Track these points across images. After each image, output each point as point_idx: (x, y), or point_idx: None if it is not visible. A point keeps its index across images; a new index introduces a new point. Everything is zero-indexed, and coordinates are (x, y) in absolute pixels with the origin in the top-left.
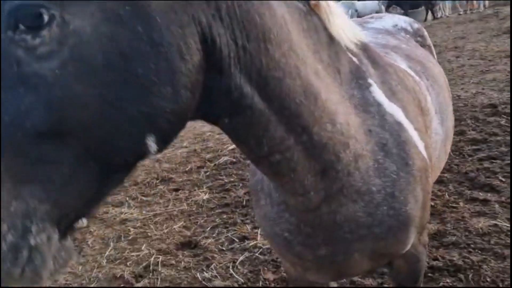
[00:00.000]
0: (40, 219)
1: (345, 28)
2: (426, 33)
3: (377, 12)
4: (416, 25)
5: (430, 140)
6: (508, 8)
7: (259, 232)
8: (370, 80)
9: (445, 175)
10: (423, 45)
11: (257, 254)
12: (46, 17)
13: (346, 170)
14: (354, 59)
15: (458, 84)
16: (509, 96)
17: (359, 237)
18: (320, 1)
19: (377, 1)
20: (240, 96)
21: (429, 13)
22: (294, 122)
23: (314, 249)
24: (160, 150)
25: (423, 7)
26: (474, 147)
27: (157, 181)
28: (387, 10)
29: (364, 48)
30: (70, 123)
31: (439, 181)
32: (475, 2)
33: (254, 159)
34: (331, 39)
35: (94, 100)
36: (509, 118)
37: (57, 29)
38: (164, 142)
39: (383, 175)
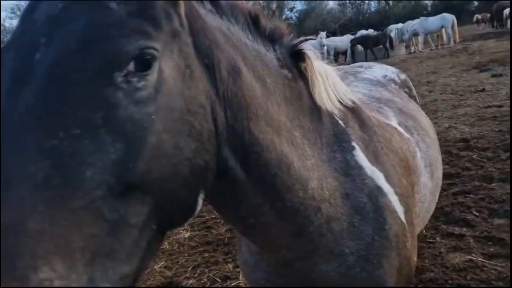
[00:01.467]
0: (114, 282)
1: (330, 92)
2: (411, 84)
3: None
4: (403, 76)
5: (419, 195)
6: (476, 44)
7: (240, 272)
8: (353, 144)
9: None
10: (410, 96)
11: None
12: (154, 63)
13: (318, 232)
14: (340, 122)
15: (431, 119)
16: (479, 130)
17: None
18: (308, 64)
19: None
20: (225, 167)
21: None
22: (269, 191)
23: None
24: (194, 214)
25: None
26: (448, 181)
27: None
28: (352, 48)
29: (353, 109)
30: (154, 174)
31: None
32: (444, 37)
33: (230, 221)
34: (315, 104)
35: (172, 149)
36: (480, 152)
37: (156, 74)
38: (201, 204)
39: (357, 238)
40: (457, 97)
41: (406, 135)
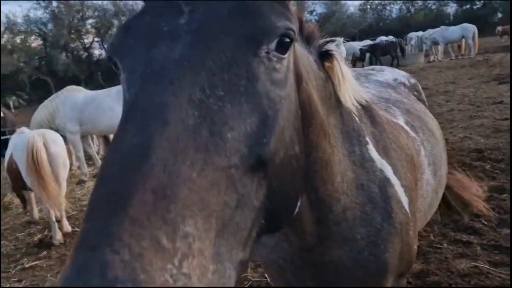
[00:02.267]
0: (234, 267)
1: (351, 91)
2: (421, 88)
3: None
4: (413, 80)
5: (421, 190)
6: (497, 56)
7: (249, 265)
8: (367, 138)
9: (431, 216)
10: (419, 99)
11: (247, 287)
12: (290, 48)
13: (335, 220)
14: (356, 118)
15: (446, 128)
16: (495, 142)
17: (343, 278)
18: (334, 65)
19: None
20: None
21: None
22: (309, 184)
23: (302, 280)
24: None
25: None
26: None
27: None
28: (362, 57)
29: (366, 107)
30: (276, 157)
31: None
32: (463, 47)
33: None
34: (339, 102)
35: (290, 140)
36: (494, 164)
37: (287, 62)
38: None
39: (368, 225)
40: (474, 108)
41: (412, 133)
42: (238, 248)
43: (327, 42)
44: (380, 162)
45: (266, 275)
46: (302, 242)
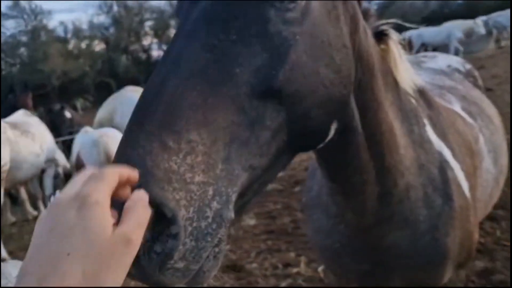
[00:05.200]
0: (237, 189)
1: (406, 74)
2: (477, 73)
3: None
4: (468, 66)
5: (481, 179)
6: None
7: (302, 260)
8: (425, 120)
9: (498, 211)
10: (475, 85)
11: (300, 281)
12: None
13: (398, 197)
14: (413, 100)
15: None
16: None
17: (401, 264)
18: (390, 47)
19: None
20: (352, 118)
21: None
22: (376, 148)
23: (359, 263)
24: (324, 142)
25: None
26: None
27: None
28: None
29: (422, 91)
30: (291, 87)
31: (491, 218)
32: None
33: (335, 176)
34: (396, 82)
35: (311, 72)
36: None
37: (304, 2)
38: (334, 135)
39: (429, 207)
40: None
41: (469, 120)
42: (250, 156)
43: (385, 23)
44: (439, 144)
45: (319, 270)
46: (361, 220)
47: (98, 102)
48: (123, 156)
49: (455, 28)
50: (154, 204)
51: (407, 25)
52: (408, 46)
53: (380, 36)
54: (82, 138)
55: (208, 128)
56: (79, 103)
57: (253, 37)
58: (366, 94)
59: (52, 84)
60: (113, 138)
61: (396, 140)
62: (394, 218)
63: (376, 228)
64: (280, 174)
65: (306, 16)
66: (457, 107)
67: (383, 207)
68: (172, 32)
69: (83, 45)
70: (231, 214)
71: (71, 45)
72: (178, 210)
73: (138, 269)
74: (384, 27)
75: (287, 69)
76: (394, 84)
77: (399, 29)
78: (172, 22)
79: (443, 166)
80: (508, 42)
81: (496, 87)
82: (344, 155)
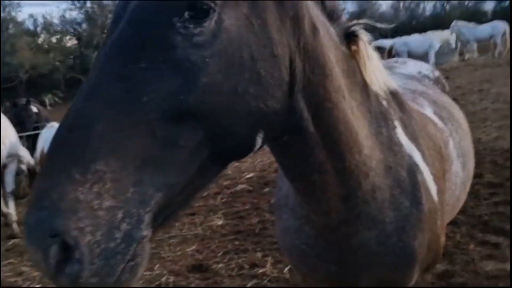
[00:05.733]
0: (151, 208)
1: (378, 75)
2: (445, 81)
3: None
4: (436, 73)
5: (449, 182)
6: None
7: (269, 261)
8: (396, 123)
9: (459, 216)
10: (444, 91)
11: (265, 282)
12: (211, 12)
13: (364, 198)
14: (384, 102)
15: (480, 127)
16: None
17: (369, 264)
18: (360, 47)
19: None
20: (300, 118)
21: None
22: (333, 149)
23: (327, 264)
24: (253, 151)
25: None
26: (490, 190)
27: None
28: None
29: (394, 94)
30: (205, 108)
31: (452, 223)
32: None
33: (294, 176)
34: (365, 82)
35: (228, 90)
36: None
37: (214, 24)
38: (261, 143)
39: (396, 209)
40: (509, 107)
41: (440, 124)
42: (165, 176)
43: (355, 24)
44: (409, 147)
45: (285, 271)
46: (326, 220)
47: (68, 98)
48: (35, 188)
49: (435, 39)
50: (59, 233)
51: (378, 25)
52: (389, 54)
53: (351, 37)
54: (48, 133)
55: (117, 155)
56: (47, 98)
57: (161, 64)
58: (317, 93)
59: (20, 78)
60: None
61: (358, 141)
62: (360, 219)
63: (342, 228)
64: (250, 174)
65: (218, 37)
66: (428, 111)
67: (349, 208)
68: None
69: (54, 39)
70: (143, 233)
71: (41, 39)
72: (81, 237)
73: (59, 284)
74: (354, 28)
75: (199, 92)
76: (363, 85)
77: (385, 36)
78: None
79: (412, 169)
80: (471, 55)
81: (460, 97)
82: (298, 155)
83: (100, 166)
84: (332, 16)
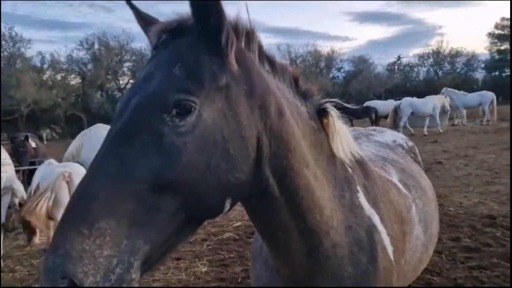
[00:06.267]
0: (139, 257)
1: (345, 145)
2: (417, 151)
3: None
4: (410, 143)
5: (410, 244)
6: None
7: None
8: (358, 188)
9: (435, 278)
10: (415, 160)
11: None
12: (193, 109)
13: (325, 254)
14: (349, 170)
15: (461, 192)
16: (508, 209)
17: None
18: (329, 121)
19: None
20: (267, 184)
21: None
22: (296, 210)
23: None
24: (223, 213)
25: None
26: (466, 254)
27: None
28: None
29: (360, 162)
30: (183, 181)
31: (428, 284)
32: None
33: (263, 233)
34: (332, 152)
35: (202, 166)
36: (505, 231)
37: (195, 117)
38: (230, 207)
39: (355, 265)
40: (492, 174)
41: (404, 191)
42: (149, 233)
43: (326, 102)
44: (369, 210)
45: None
46: (292, 272)
47: (67, 134)
48: (54, 241)
49: (436, 102)
50: (69, 275)
51: (345, 105)
52: (395, 112)
53: (322, 113)
54: (44, 170)
55: (114, 216)
56: (45, 133)
57: (151, 147)
58: (281, 164)
59: (21, 112)
60: (76, 174)
61: (320, 203)
62: (322, 273)
63: (307, 281)
64: (238, 223)
65: (196, 127)
66: (395, 178)
67: (311, 262)
68: None
69: (59, 77)
70: (132, 276)
71: (46, 76)
72: (85, 279)
73: None
74: (325, 105)
75: (179, 168)
76: (331, 154)
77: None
78: None
79: (371, 229)
80: (460, 121)
81: (446, 161)
82: (266, 215)
83: (102, 224)
84: (306, 95)
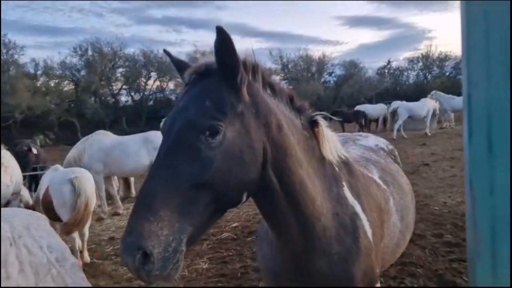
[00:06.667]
0: (186, 235)
1: (333, 150)
2: (397, 153)
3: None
4: (391, 147)
5: (389, 230)
6: None
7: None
8: (344, 183)
9: (418, 270)
10: (395, 161)
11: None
12: (220, 130)
13: (317, 235)
14: (336, 169)
15: (446, 192)
16: None
17: (322, 285)
18: (320, 129)
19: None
20: (270, 181)
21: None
22: (293, 201)
23: (293, 283)
24: (242, 203)
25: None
26: (447, 249)
27: None
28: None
29: (346, 162)
30: (213, 181)
31: (412, 275)
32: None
33: (267, 218)
34: (322, 155)
35: (226, 170)
36: None
37: (221, 136)
38: (246, 198)
39: (341, 244)
40: None
41: (383, 186)
42: (191, 220)
43: (317, 114)
44: (352, 201)
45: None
46: (292, 248)
47: (60, 140)
48: (129, 226)
49: (430, 106)
50: (143, 248)
51: (331, 117)
52: (392, 115)
53: (313, 123)
54: (52, 175)
55: (168, 207)
56: (38, 139)
57: (191, 158)
58: (281, 165)
59: (15, 118)
60: (84, 178)
61: (312, 195)
62: (314, 250)
63: (304, 256)
64: (235, 224)
65: (223, 143)
66: (376, 176)
67: (306, 241)
68: (142, 80)
69: (52, 83)
70: (182, 248)
71: (40, 82)
72: (152, 250)
73: (139, 276)
74: (316, 117)
75: (210, 172)
76: (321, 157)
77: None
78: (144, 72)
79: (354, 216)
80: (448, 124)
81: (433, 163)
82: (269, 204)
83: (161, 213)
84: (300, 110)
